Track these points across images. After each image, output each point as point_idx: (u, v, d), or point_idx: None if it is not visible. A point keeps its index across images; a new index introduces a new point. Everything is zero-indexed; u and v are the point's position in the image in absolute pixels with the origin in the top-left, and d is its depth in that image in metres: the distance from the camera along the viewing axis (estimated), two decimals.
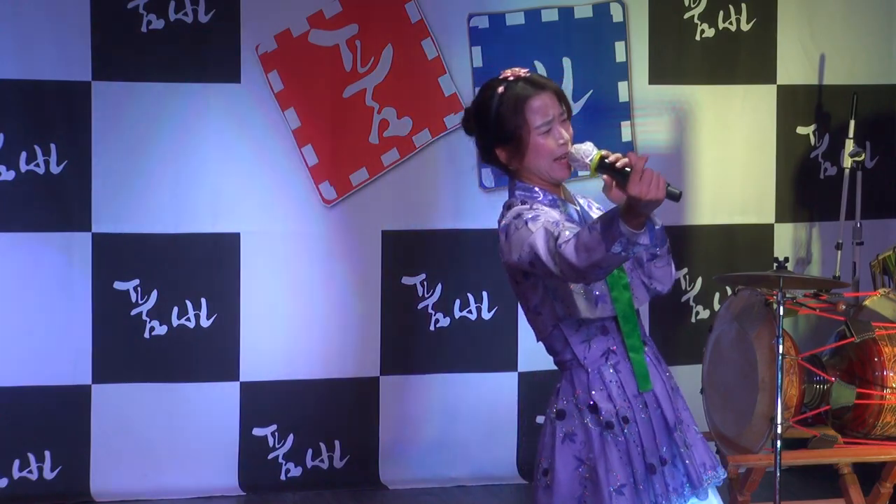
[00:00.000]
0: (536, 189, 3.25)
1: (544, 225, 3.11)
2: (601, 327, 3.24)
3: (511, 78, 3.25)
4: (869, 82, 6.48)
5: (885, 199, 6.54)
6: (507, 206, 3.26)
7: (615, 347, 3.25)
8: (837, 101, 6.41)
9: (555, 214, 3.19)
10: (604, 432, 3.19)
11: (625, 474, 3.17)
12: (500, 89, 3.24)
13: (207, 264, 5.99)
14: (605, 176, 3.15)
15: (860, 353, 4.89)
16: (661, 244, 3.17)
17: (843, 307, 5.01)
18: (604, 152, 3.13)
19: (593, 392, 3.22)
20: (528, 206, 3.22)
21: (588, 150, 3.16)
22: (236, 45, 5.95)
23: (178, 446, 5.95)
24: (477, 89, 6.03)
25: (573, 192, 3.37)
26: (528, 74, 3.25)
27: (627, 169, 2.96)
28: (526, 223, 3.14)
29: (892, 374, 4.82)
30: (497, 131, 3.23)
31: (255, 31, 5.96)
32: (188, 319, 5.97)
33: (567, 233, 3.05)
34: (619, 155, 3.09)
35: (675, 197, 2.96)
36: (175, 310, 5.96)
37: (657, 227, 3.04)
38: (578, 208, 3.31)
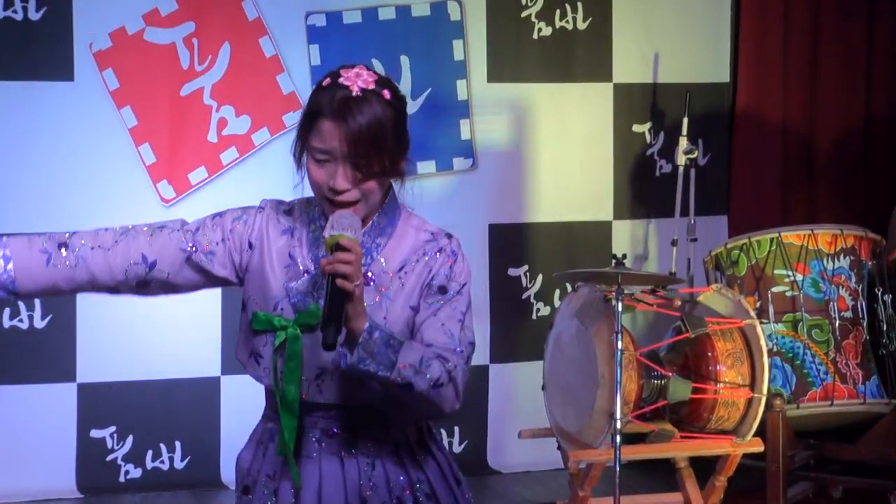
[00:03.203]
0: (321, 219, 2.81)
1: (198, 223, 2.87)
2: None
3: (342, 82, 2.74)
4: (701, 81, 6.61)
5: (716, 196, 6.67)
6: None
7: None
8: (671, 99, 6.53)
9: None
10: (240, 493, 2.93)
11: None
12: (326, 83, 2.77)
13: None
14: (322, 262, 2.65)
15: (695, 349, 4.97)
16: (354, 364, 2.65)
17: (679, 303, 5.09)
18: (347, 241, 2.62)
19: (247, 442, 2.97)
20: (256, 210, 2.86)
21: (345, 224, 2.67)
22: (69, 42, 5.84)
23: (12, 449, 5.84)
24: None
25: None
26: (356, 93, 2.71)
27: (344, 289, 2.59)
28: (216, 214, 2.88)
29: (724, 369, 4.91)
30: (299, 121, 2.80)
31: (88, 29, 5.85)
32: (21, 320, 5.87)
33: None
34: (347, 271, 2.59)
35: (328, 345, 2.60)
36: (7, 311, 5.85)
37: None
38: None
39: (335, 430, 2.83)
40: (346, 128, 2.68)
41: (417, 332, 2.77)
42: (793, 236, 5.54)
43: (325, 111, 2.70)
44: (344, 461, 2.83)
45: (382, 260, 2.81)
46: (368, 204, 2.76)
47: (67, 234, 2.84)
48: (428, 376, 2.67)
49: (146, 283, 2.86)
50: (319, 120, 2.71)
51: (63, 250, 2.81)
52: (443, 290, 2.78)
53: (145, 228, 2.86)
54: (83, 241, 2.83)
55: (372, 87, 2.72)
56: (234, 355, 2.96)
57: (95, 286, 2.85)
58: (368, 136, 2.68)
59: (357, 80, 2.72)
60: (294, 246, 2.83)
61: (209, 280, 2.86)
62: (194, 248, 2.83)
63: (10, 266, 2.78)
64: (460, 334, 2.77)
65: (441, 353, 2.71)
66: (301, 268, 2.81)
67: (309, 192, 2.83)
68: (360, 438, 2.83)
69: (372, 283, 2.78)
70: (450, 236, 2.87)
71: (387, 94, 2.73)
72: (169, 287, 2.87)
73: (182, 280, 2.86)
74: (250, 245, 2.84)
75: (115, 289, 2.86)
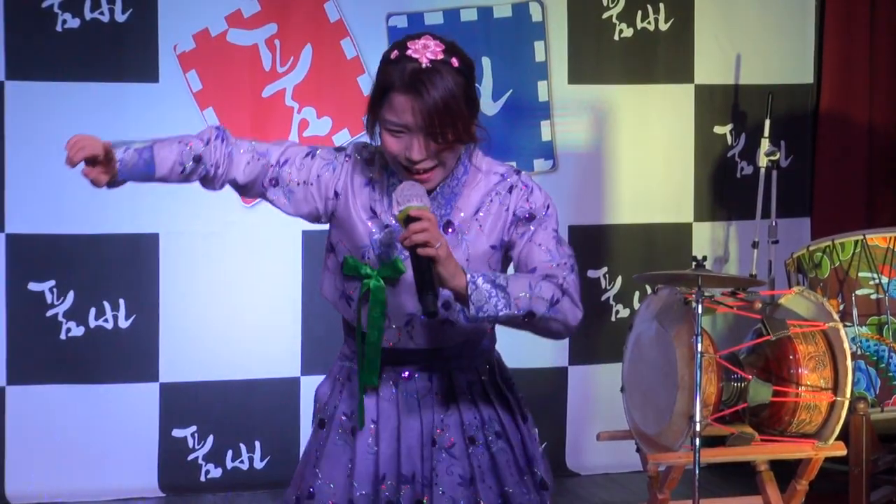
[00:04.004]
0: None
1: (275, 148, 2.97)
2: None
3: (411, 54, 2.76)
4: (783, 82, 6.55)
5: (799, 198, 6.61)
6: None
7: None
8: (753, 101, 6.48)
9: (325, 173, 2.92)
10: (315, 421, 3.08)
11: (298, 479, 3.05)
12: (394, 55, 2.80)
13: (126, 265, 5.94)
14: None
15: (776, 351, 4.92)
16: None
17: (760, 305, 5.05)
18: (417, 210, 2.70)
19: (325, 377, 3.09)
20: (345, 157, 2.93)
21: (408, 196, 2.73)
22: (154, 44, 5.90)
23: (96, 448, 5.90)
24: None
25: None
26: (426, 65, 2.74)
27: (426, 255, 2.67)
28: (309, 151, 2.96)
29: (806, 372, 4.86)
30: (370, 93, 2.86)
31: (172, 30, 5.91)
32: (106, 320, 5.92)
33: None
34: (426, 238, 2.67)
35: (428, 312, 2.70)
36: (92, 311, 5.91)
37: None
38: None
39: (415, 373, 2.95)
40: (419, 101, 2.72)
41: (519, 263, 2.87)
42: (878, 238, 5.47)
43: (397, 85, 2.74)
44: (420, 402, 2.93)
45: (460, 208, 2.89)
46: (445, 168, 2.85)
47: (203, 145, 2.92)
48: (544, 297, 2.76)
49: (238, 192, 3.01)
50: (391, 94, 2.75)
51: (196, 164, 2.91)
52: (531, 217, 2.88)
53: (247, 151, 2.95)
54: (210, 156, 2.92)
55: (441, 56, 2.76)
56: (319, 292, 3.05)
57: (197, 181, 2.98)
58: (442, 108, 2.73)
59: (425, 51, 2.76)
60: (375, 200, 2.90)
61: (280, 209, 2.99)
62: (271, 185, 2.94)
63: (153, 171, 2.88)
64: (558, 249, 2.86)
65: (546, 273, 2.81)
66: (383, 221, 2.89)
67: None
68: (436, 380, 2.94)
69: (452, 231, 2.87)
70: (518, 172, 2.96)
71: (455, 61, 2.78)
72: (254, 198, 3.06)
73: (260, 199, 2.99)
74: (336, 194, 2.92)
75: (214, 191, 3.03)
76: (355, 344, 2.97)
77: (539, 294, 2.76)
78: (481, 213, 2.89)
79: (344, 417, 3.00)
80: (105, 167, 2.80)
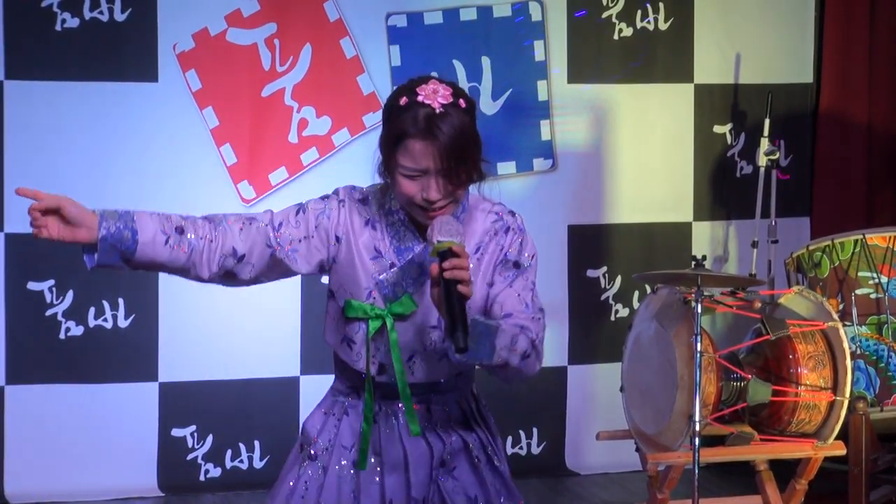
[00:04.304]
0: (400, 212, 2.95)
1: (281, 212, 2.97)
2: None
3: (422, 100, 2.84)
4: (783, 81, 6.55)
5: (798, 198, 6.61)
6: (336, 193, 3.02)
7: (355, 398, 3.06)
8: (753, 100, 6.48)
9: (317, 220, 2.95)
10: (299, 451, 3.11)
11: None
12: (403, 101, 2.87)
13: None
14: (434, 266, 2.78)
15: (775, 351, 4.92)
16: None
17: (759, 305, 5.05)
18: (458, 247, 2.78)
19: (314, 410, 3.12)
20: (338, 202, 2.98)
21: (453, 231, 2.81)
22: (153, 43, 5.90)
23: (95, 447, 5.90)
24: (395, 88, 6.08)
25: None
26: (438, 109, 2.82)
27: (461, 291, 2.73)
28: (298, 208, 2.98)
29: (806, 372, 4.86)
30: (381, 138, 2.93)
31: (172, 30, 5.91)
32: (105, 320, 5.92)
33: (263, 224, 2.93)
34: (466, 277, 2.75)
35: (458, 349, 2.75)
36: (92, 310, 5.91)
37: None
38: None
39: (415, 405, 3.00)
40: (437, 145, 2.81)
41: (493, 302, 2.95)
42: (878, 238, 5.47)
43: (412, 131, 2.82)
44: (426, 433, 3.01)
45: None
46: (457, 203, 2.92)
47: (182, 219, 2.94)
48: (518, 352, 2.83)
49: (233, 275, 2.97)
50: (407, 140, 2.83)
51: (179, 235, 2.91)
52: (517, 264, 2.97)
53: (237, 220, 2.96)
54: (194, 229, 2.92)
55: (450, 100, 2.85)
56: (322, 338, 3.09)
57: (191, 274, 2.96)
58: (458, 150, 2.82)
59: (436, 96, 2.84)
60: (378, 239, 2.95)
61: (289, 273, 3.00)
62: (279, 245, 2.94)
63: (136, 238, 2.89)
64: (533, 302, 2.96)
65: (523, 325, 2.89)
66: (388, 261, 2.95)
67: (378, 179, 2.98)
68: (434, 411, 3.02)
69: None
70: (513, 213, 3.05)
71: (462, 103, 2.87)
72: (253, 280, 2.99)
73: (265, 272, 2.98)
74: (337, 238, 2.96)
75: (206, 279, 2.97)
76: (351, 381, 3.04)
77: (517, 348, 2.83)
78: (481, 252, 2.97)
79: (342, 449, 3.05)
80: (72, 223, 2.91)
